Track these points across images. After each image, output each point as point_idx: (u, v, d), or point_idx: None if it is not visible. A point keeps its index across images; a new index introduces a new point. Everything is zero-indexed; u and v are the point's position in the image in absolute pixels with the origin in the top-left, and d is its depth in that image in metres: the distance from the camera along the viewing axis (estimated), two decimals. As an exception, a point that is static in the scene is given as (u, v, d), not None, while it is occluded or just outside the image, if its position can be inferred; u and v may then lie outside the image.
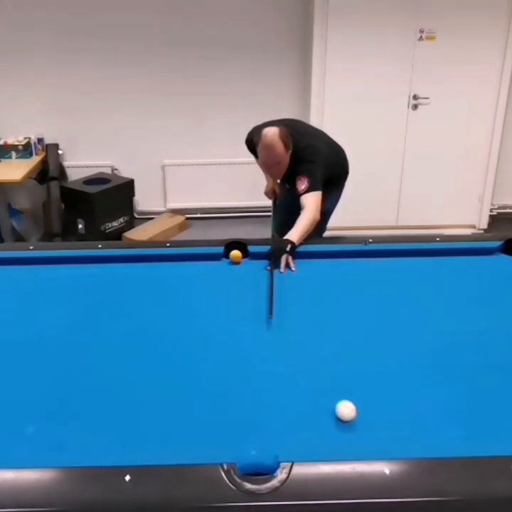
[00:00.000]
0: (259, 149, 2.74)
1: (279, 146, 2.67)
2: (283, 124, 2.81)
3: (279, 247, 2.35)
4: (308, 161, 2.79)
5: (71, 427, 1.42)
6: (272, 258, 2.30)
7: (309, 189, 2.72)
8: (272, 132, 2.67)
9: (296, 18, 4.59)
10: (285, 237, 2.45)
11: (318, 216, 2.69)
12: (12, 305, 2.04)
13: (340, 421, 1.42)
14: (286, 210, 3.07)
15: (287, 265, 2.30)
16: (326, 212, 2.94)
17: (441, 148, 4.65)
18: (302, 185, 2.73)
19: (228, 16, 4.57)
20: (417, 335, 1.81)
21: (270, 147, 2.68)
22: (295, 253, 2.37)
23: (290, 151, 2.74)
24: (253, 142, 2.90)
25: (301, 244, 2.45)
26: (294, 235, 2.47)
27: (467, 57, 4.40)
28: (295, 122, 3.06)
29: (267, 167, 2.84)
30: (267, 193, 3.30)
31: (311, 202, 2.69)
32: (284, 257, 2.30)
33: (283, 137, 2.69)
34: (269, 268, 2.26)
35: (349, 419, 1.41)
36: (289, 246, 2.36)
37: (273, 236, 3.12)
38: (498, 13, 4.31)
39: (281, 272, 2.25)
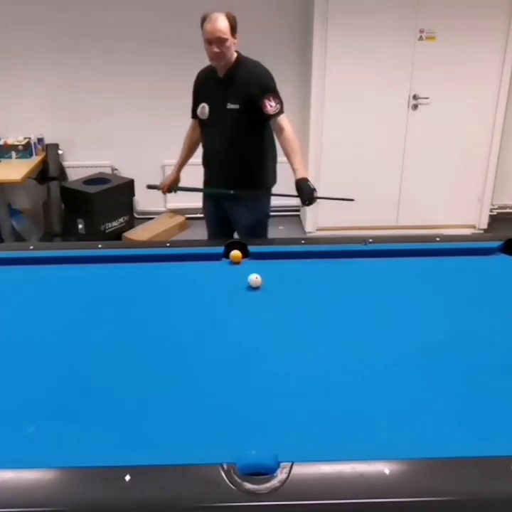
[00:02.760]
0: (204, 28, 2.72)
1: (224, 22, 2.69)
2: None
3: (310, 191, 2.58)
4: (270, 80, 2.81)
5: (71, 427, 1.42)
6: (307, 202, 2.60)
7: (281, 111, 2.75)
8: (216, 12, 2.71)
9: (296, 18, 4.60)
10: (299, 177, 2.60)
11: (295, 135, 2.76)
12: (12, 305, 2.04)
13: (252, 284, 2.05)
14: (215, 219, 3.11)
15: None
16: (267, 216, 3.04)
17: (441, 148, 4.65)
18: (271, 105, 2.73)
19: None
20: (417, 335, 1.81)
21: (214, 19, 2.69)
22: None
23: (236, 40, 2.76)
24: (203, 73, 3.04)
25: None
26: (302, 169, 2.64)
27: (467, 57, 4.40)
28: None
29: (211, 45, 2.73)
30: (162, 188, 3.20)
31: (288, 125, 2.75)
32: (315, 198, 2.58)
33: (230, 17, 2.72)
34: (306, 203, 2.61)
35: (255, 283, 2.05)
36: (313, 187, 2.59)
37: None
38: (498, 13, 4.31)
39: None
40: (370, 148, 4.64)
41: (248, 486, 1.21)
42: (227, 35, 2.70)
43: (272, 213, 3.39)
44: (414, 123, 4.59)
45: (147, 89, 4.72)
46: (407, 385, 1.57)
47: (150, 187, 3.27)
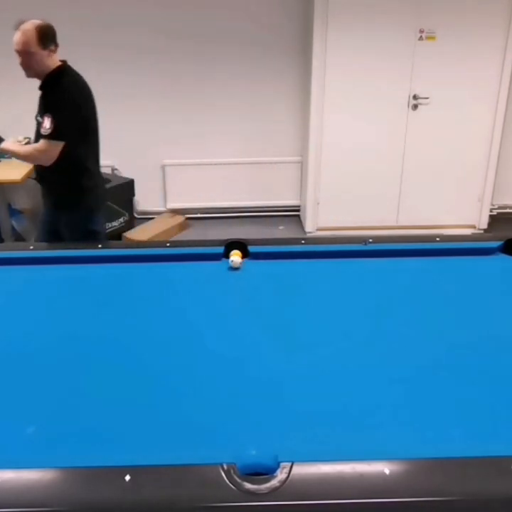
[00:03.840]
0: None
1: (32, 34, 2.58)
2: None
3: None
4: (64, 102, 2.65)
5: (71, 427, 1.42)
6: None
7: (51, 135, 2.62)
8: (33, 20, 2.62)
9: (297, 17, 4.60)
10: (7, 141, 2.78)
11: (41, 159, 2.69)
12: (12, 305, 2.04)
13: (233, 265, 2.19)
14: (44, 228, 2.94)
15: None
16: (95, 232, 2.91)
17: (441, 148, 4.65)
18: (46, 126, 2.63)
19: (229, 15, 4.58)
20: (417, 335, 1.81)
21: (22, 31, 2.60)
22: None
23: (48, 51, 2.64)
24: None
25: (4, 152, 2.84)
26: (11, 143, 2.85)
27: (467, 57, 4.41)
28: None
29: (18, 54, 2.66)
30: None
31: (43, 146, 2.65)
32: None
33: (41, 29, 2.61)
34: None
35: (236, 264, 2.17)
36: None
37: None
38: (498, 13, 4.32)
39: None
40: (370, 148, 4.64)
41: (248, 486, 1.21)
42: (36, 48, 2.61)
43: (271, 213, 3.39)
44: (414, 123, 4.59)
45: (147, 89, 4.72)
46: (407, 386, 1.57)
47: None
